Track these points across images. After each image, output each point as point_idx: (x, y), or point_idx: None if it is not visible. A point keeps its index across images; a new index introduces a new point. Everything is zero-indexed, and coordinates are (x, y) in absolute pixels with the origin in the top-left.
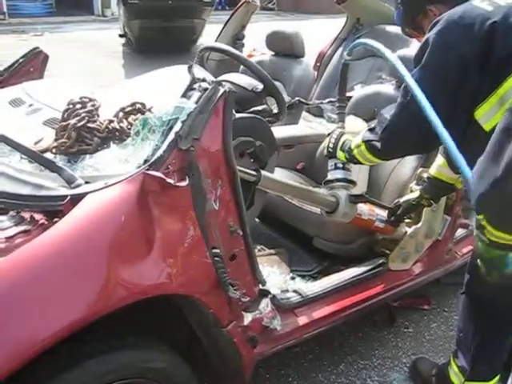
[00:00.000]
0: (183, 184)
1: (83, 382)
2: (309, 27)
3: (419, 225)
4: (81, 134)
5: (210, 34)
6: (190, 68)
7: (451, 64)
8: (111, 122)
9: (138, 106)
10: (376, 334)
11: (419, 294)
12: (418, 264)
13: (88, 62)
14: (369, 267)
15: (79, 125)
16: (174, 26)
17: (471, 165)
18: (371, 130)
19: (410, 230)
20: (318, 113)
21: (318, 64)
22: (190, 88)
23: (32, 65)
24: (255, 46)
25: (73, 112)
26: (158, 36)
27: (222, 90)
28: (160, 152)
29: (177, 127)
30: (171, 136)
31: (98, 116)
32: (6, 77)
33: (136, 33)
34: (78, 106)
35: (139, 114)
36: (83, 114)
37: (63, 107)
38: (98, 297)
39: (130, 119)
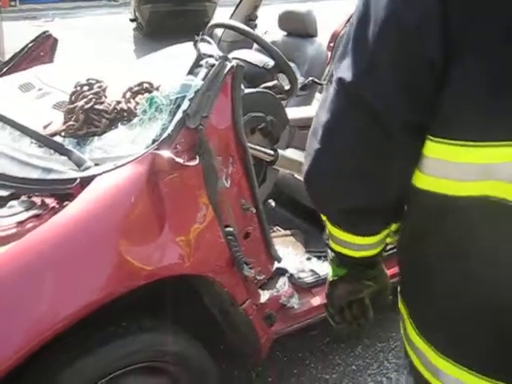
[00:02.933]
0: (193, 163)
1: (101, 366)
2: (321, 8)
3: None
4: (89, 116)
5: (222, 17)
6: (195, 43)
7: None
8: (119, 102)
9: (146, 85)
10: (394, 317)
11: None
12: None
13: (99, 47)
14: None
15: (87, 107)
16: (185, 10)
17: None
18: None
19: None
20: None
21: (332, 44)
22: (196, 65)
23: (42, 49)
24: (267, 28)
25: (80, 94)
26: (169, 20)
27: (229, 66)
28: (168, 131)
29: (184, 105)
30: (179, 115)
31: (106, 97)
32: (17, 62)
33: (147, 17)
34: (85, 88)
35: (147, 94)
36: (90, 96)
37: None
38: (109, 279)
39: (137, 99)
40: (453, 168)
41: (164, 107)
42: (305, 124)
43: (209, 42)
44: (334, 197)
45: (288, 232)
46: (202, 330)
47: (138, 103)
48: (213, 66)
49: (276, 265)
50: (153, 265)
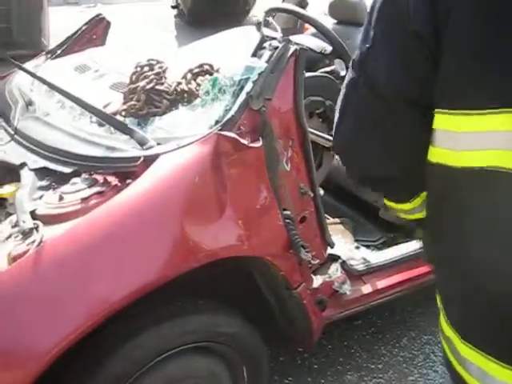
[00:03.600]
0: (257, 145)
1: (156, 344)
2: None
3: None
4: (150, 97)
5: (263, 5)
6: (258, 25)
7: None
8: (179, 83)
9: (206, 67)
10: (437, 310)
11: None
12: None
13: (141, 33)
14: None
15: (148, 87)
16: None
17: None
18: None
19: None
20: None
21: None
22: (260, 47)
23: (95, 32)
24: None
25: (141, 74)
26: (210, 7)
27: (292, 48)
28: (232, 113)
29: (248, 87)
30: (242, 96)
31: (166, 78)
32: (70, 44)
33: (189, 4)
34: (146, 68)
35: (207, 75)
36: (152, 77)
37: (129, 72)
38: (171, 258)
39: (198, 80)
40: (457, 138)
41: (227, 88)
42: None
43: (271, 25)
44: (354, 163)
45: (337, 220)
46: (254, 313)
47: (198, 84)
48: (276, 48)
49: (328, 250)
50: (213, 245)
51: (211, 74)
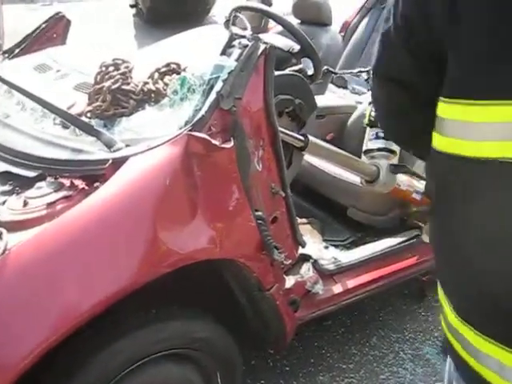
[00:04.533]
0: (228, 145)
1: (131, 352)
2: None
3: None
4: (116, 97)
5: (223, 3)
6: (227, 23)
7: None
8: (146, 83)
9: (173, 66)
10: (407, 309)
11: None
12: None
13: (99, 32)
14: (403, 239)
15: (114, 87)
16: None
17: None
18: None
19: None
20: (342, 84)
21: (343, 34)
22: (229, 45)
23: (55, 30)
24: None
25: (106, 74)
26: (170, 6)
27: (262, 47)
28: (202, 112)
29: (218, 86)
30: (212, 96)
31: (132, 78)
32: (29, 43)
33: (148, 3)
34: (111, 68)
35: (174, 75)
36: (117, 76)
37: (93, 72)
38: (142, 263)
39: (165, 80)
40: (466, 128)
41: (197, 88)
42: (321, 113)
43: (241, 22)
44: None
45: (304, 220)
46: (227, 317)
47: (166, 84)
48: (246, 46)
49: (299, 250)
50: (186, 249)
51: (178, 74)
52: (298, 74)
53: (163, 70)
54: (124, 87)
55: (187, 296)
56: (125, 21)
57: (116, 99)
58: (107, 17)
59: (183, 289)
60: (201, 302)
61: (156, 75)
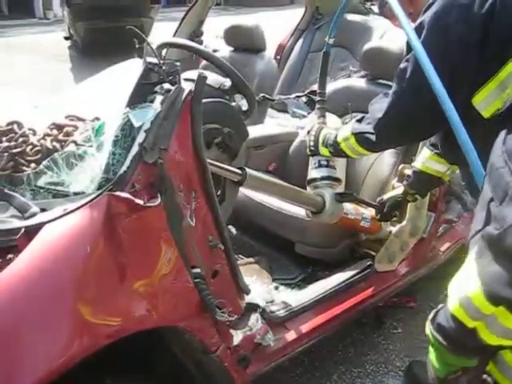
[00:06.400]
0: (155, 203)
1: None
2: (261, 21)
3: (404, 223)
4: (16, 163)
5: (159, 32)
6: (146, 68)
7: (449, 46)
8: (45, 140)
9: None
10: (365, 339)
11: (403, 292)
12: (403, 263)
13: (34, 67)
14: (356, 271)
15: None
16: (121, 26)
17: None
18: (359, 121)
19: (394, 229)
20: (282, 108)
21: (278, 57)
22: (150, 91)
23: None
24: (206, 42)
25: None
26: (105, 37)
27: (187, 89)
28: (124, 168)
29: (140, 138)
30: (135, 148)
31: (29, 139)
32: None
33: (82, 35)
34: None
35: (71, 128)
36: (12, 143)
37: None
38: (69, 342)
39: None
40: None
41: (116, 139)
42: (260, 143)
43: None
44: None
45: (251, 259)
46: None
47: (65, 141)
48: (169, 91)
49: (246, 298)
50: (117, 321)
51: (76, 128)
52: (224, 100)
53: (63, 123)
54: (18, 157)
55: (134, 366)
56: (61, 54)
57: (17, 164)
58: (43, 50)
59: (129, 358)
60: (147, 368)
61: (54, 131)
